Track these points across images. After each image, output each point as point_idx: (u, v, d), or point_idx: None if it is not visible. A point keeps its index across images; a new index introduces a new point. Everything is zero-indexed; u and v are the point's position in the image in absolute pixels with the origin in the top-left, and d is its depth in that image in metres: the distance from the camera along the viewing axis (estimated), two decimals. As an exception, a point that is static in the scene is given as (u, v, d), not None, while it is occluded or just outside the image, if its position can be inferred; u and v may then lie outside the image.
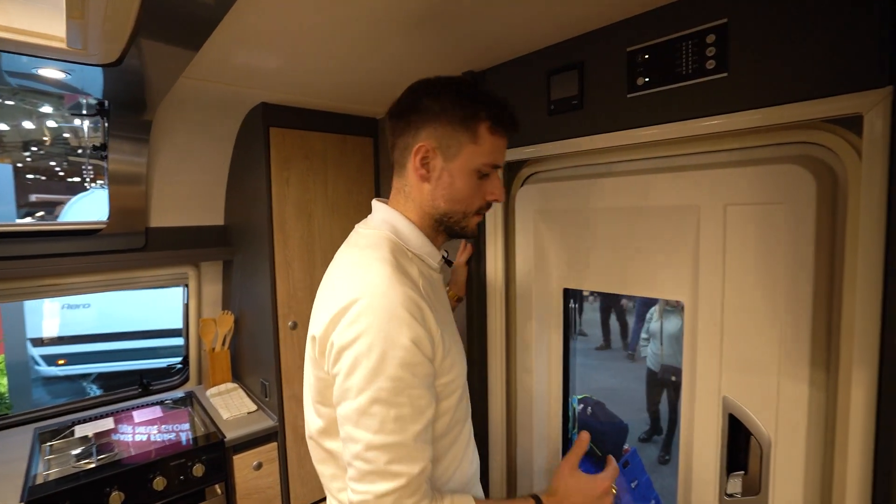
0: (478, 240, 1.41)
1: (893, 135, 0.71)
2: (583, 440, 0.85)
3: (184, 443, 1.53)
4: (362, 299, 0.67)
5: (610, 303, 3.48)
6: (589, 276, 1.21)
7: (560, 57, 1.14)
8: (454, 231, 0.83)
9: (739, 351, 0.92)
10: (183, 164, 1.80)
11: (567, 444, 1.37)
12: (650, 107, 0.98)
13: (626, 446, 0.97)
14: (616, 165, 1.13)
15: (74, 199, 4.55)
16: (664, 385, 2.82)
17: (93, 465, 1.42)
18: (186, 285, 2.02)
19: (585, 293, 2.99)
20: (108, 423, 1.67)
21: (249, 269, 1.81)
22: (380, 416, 0.64)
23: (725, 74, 0.87)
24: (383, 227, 0.80)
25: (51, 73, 1.15)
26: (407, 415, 0.65)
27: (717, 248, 0.93)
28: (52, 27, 1.00)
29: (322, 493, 1.80)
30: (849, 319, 0.78)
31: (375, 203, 0.85)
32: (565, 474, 0.80)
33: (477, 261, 1.41)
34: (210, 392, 1.87)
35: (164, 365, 2.16)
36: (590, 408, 0.99)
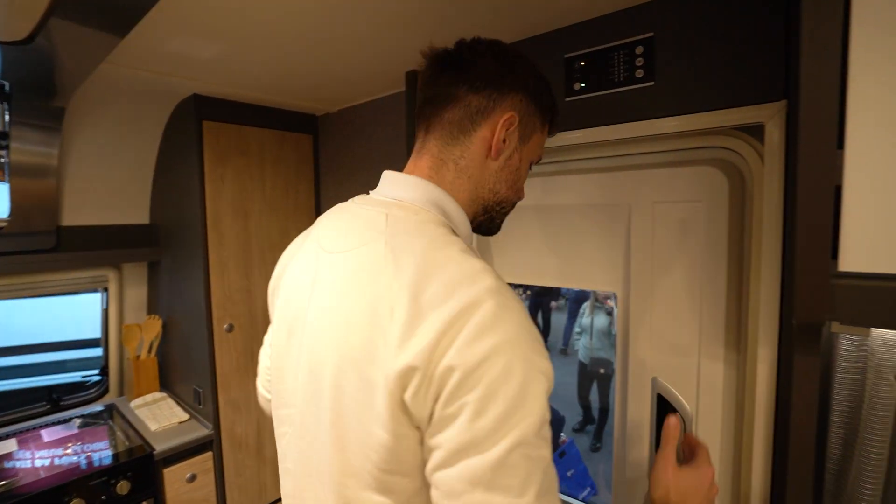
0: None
1: (788, 142, 0.82)
2: (672, 427, 0.71)
3: (103, 459, 1.41)
4: (488, 301, 0.46)
5: (540, 301, 3.61)
6: (528, 271, 1.27)
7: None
8: (493, 224, 0.70)
9: (666, 336, 1.01)
10: (102, 158, 1.66)
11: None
12: (586, 110, 1.05)
13: (562, 437, 1.02)
14: (554, 165, 1.19)
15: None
16: (594, 377, 2.99)
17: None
18: (106, 289, 1.86)
19: (519, 293, 3.09)
20: (9, 446, 1.50)
21: (180, 271, 1.71)
22: (525, 470, 0.44)
23: (652, 83, 0.95)
24: (433, 211, 0.60)
25: (-56, 49, 1.02)
26: (552, 471, 0.47)
27: (647, 242, 1.02)
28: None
29: (261, 503, 1.73)
30: (755, 304, 0.89)
31: (404, 177, 0.63)
32: (670, 475, 0.67)
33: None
34: (135, 403, 1.74)
35: (78, 378, 1.97)
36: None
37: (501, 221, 0.71)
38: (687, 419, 0.99)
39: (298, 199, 1.79)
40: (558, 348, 3.50)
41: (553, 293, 3.17)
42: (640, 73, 0.96)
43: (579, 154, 1.12)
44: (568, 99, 1.07)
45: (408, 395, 0.46)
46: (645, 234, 1.02)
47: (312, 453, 0.58)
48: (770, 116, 0.83)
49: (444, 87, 0.63)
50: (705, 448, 0.72)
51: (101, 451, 1.46)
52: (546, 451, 0.46)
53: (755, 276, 0.90)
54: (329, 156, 1.83)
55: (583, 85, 1.04)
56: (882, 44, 0.49)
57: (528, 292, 3.15)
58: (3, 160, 1.45)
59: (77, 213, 1.69)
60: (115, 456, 1.43)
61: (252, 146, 1.66)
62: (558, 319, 3.60)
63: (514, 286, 1.36)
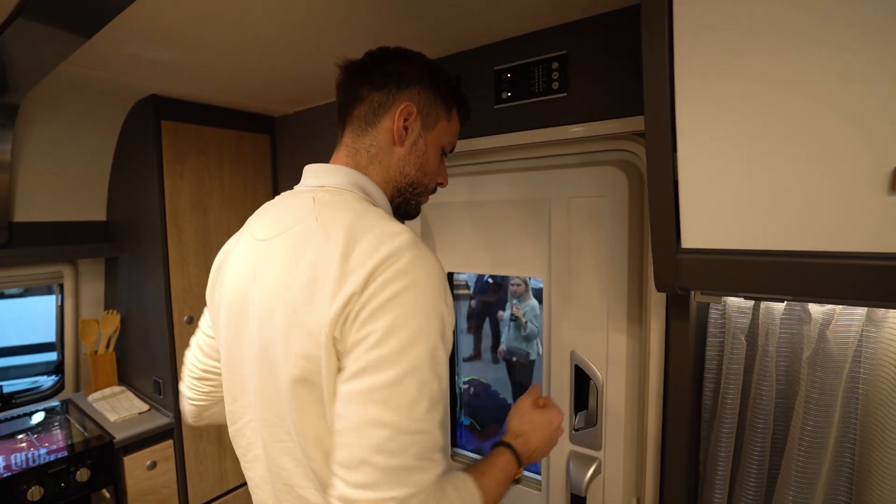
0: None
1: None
2: (535, 387, 0.88)
3: (60, 449, 1.45)
4: (406, 253, 0.56)
5: (486, 311, 3.67)
6: (466, 260, 1.41)
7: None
8: (409, 206, 0.79)
9: (581, 314, 1.17)
10: (57, 154, 1.69)
11: (456, 424, 1.55)
12: (511, 117, 1.19)
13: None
14: (485, 165, 1.33)
15: None
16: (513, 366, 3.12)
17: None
18: (61, 286, 1.88)
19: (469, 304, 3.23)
20: (-29, 437, 1.51)
21: (139, 265, 1.75)
22: (413, 393, 0.53)
23: (565, 94, 1.10)
24: (355, 191, 0.69)
25: None
26: (437, 398, 0.55)
27: (564, 232, 1.17)
28: None
29: (221, 489, 1.80)
30: (647, 282, 1.05)
31: (324, 166, 0.73)
32: (527, 412, 0.80)
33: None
34: (93, 397, 1.77)
35: (28, 385, 1.96)
36: (473, 388, 1.17)
37: (417, 203, 0.81)
38: (599, 386, 1.15)
39: (257, 195, 1.87)
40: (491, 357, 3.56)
41: (499, 303, 3.29)
42: (556, 86, 1.11)
43: (507, 155, 1.26)
44: (497, 106, 1.21)
45: (337, 333, 0.54)
46: (562, 226, 1.17)
47: (281, 431, 0.63)
48: (657, 124, 0.99)
49: (353, 90, 0.75)
50: (558, 406, 0.84)
51: (58, 442, 1.50)
52: (435, 385, 0.55)
53: (647, 256, 1.06)
54: (286, 155, 1.91)
55: (509, 94, 1.18)
56: (697, 71, 0.65)
57: (473, 302, 3.28)
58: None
59: (30, 209, 1.71)
60: (72, 445, 1.47)
61: (211, 145, 1.72)
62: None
63: (452, 277, 1.50)
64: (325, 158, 1.89)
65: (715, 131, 0.66)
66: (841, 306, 0.81)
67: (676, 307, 0.91)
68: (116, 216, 1.87)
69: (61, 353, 1.93)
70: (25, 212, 1.70)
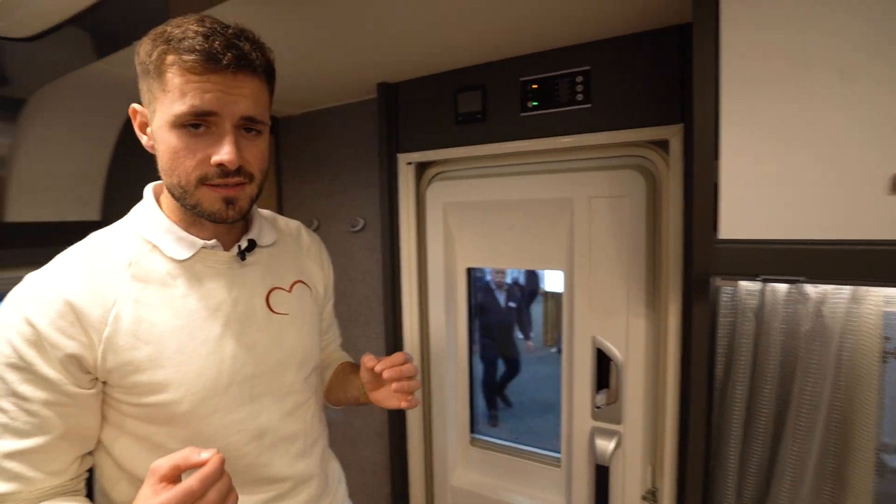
0: (392, 229, 1.60)
1: (686, 153, 1.13)
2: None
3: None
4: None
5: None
6: (488, 256, 1.51)
7: (466, 78, 1.41)
8: (195, 212, 0.68)
9: (602, 301, 1.30)
10: (54, 152, 1.62)
11: (473, 413, 1.64)
12: (537, 124, 1.31)
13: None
14: (511, 167, 1.44)
15: None
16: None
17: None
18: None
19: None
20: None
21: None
22: None
23: (589, 105, 1.23)
24: (129, 215, 0.76)
25: (-70, 39, 1.02)
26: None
27: (585, 228, 1.30)
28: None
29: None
30: (665, 271, 1.19)
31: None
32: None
33: (391, 249, 1.61)
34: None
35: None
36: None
37: (196, 205, 0.67)
38: (620, 367, 1.28)
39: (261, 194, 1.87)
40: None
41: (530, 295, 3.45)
42: (580, 97, 1.23)
43: (531, 159, 1.38)
44: (523, 114, 1.32)
45: None
46: (584, 222, 1.30)
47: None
48: (673, 134, 1.13)
49: None
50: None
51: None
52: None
53: (665, 252, 1.20)
54: (290, 155, 1.93)
55: (535, 103, 1.30)
56: (740, 90, 0.79)
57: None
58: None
59: (22, 208, 1.63)
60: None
61: (218, 144, 1.71)
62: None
63: (478, 271, 1.60)
64: (332, 160, 1.96)
65: (751, 141, 0.80)
66: (832, 287, 0.99)
67: (699, 291, 1.06)
68: (113, 215, 1.80)
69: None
70: (17, 211, 1.62)
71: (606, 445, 1.27)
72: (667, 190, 1.19)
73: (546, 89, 1.28)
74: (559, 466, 1.43)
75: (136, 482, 0.68)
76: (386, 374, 0.77)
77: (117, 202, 1.79)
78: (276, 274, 0.82)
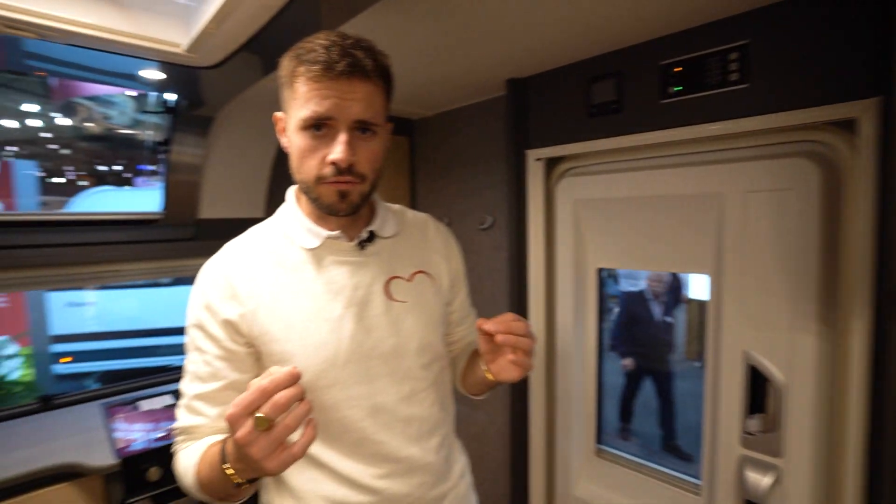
0: (519, 227, 1.58)
1: (886, 134, 0.91)
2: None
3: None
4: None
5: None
6: (622, 256, 1.40)
7: (599, 67, 1.33)
8: (317, 205, 0.77)
9: (757, 312, 1.12)
10: (233, 159, 1.93)
11: (601, 422, 1.54)
12: (681, 111, 1.17)
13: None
14: (648, 161, 1.32)
15: (83, 194, 4.57)
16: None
17: (165, 433, 1.54)
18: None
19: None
20: (168, 399, 1.79)
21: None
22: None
23: (747, 85, 1.06)
24: (276, 213, 0.89)
25: (151, 73, 1.29)
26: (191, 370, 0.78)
27: (739, 227, 1.13)
28: (167, 34, 1.14)
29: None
30: (848, 280, 0.98)
31: None
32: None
33: (518, 247, 1.59)
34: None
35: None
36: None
37: (317, 198, 0.75)
38: (780, 390, 1.09)
39: (397, 193, 2.01)
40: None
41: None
42: (734, 77, 1.08)
43: (672, 150, 1.25)
44: (663, 101, 1.20)
45: None
46: (737, 220, 1.13)
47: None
48: (863, 111, 0.93)
49: None
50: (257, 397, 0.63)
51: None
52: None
53: (845, 256, 0.99)
54: (424, 156, 2.03)
55: (678, 88, 1.17)
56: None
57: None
58: (162, 162, 1.75)
59: (210, 207, 1.98)
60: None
61: (359, 148, 1.88)
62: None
63: (609, 272, 1.50)
64: (463, 158, 1.98)
65: None
66: None
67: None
68: (272, 214, 2.09)
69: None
70: (206, 210, 1.97)
71: (760, 480, 1.10)
72: (852, 180, 0.98)
73: (692, 71, 1.14)
74: (699, 494, 1.27)
75: None
76: (499, 339, 0.74)
77: (277, 202, 2.07)
78: (396, 263, 0.86)
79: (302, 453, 0.59)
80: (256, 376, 0.75)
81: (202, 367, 0.76)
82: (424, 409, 0.86)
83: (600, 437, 1.53)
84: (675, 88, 1.17)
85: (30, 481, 1.34)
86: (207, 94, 1.52)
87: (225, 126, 1.81)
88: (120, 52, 1.15)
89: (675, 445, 2.89)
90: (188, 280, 2.22)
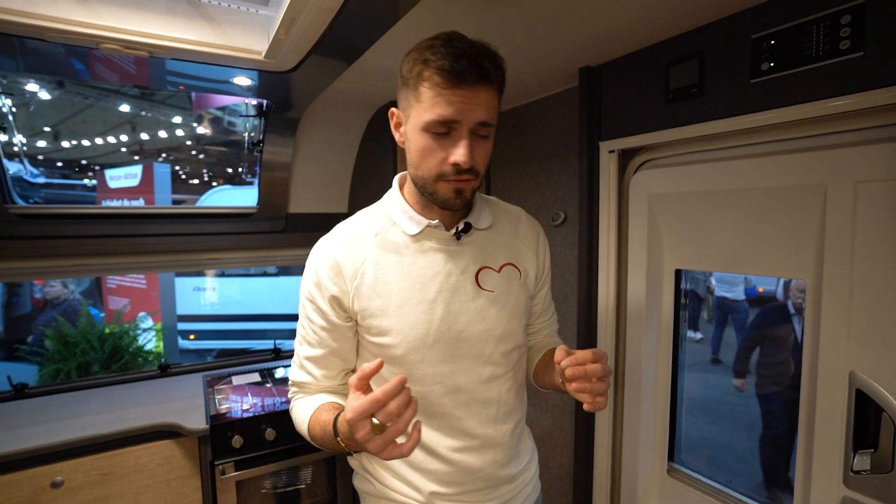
0: (591, 223, 1.49)
1: None
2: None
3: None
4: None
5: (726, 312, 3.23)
6: (703, 256, 1.26)
7: (679, 48, 1.20)
8: (433, 198, 0.82)
9: (868, 325, 0.93)
10: (317, 157, 2.08)
11: (674, 439, 1.40)
12: (775, 90, 1.02)
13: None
14: (734, 150, 1.16)
15: (202, 197, 5.25)
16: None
17: (249, 406, 1.70)
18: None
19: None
20: (255, 377, 1.98)
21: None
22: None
23: (861, 54, 0.89)
24: (382, 199, 0.94)
25: (242, 80, 1.43)
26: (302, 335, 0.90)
27: (847, 225, 0.95)
28: (250, 43, 1.26)
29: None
30: None
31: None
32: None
33: (588, 244, 1.50)
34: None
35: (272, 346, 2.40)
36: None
37: (434, 193, 0.80)
38: (894, 417, 0.90)
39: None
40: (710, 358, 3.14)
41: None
42: (844, 45, 0.91)
43: (763, 137, 1.09)
44: (754, 80, 1.05)
45: None
46: (845, 217, 0.95)
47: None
48: None
49: None
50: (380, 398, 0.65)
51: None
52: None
53: None
54: (499, 150, 2.00)
55: (772, 64, 1.01)
56: None
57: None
58: (257, 161, 1.93)
59: (297, 202, 2.14)
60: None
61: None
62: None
63: (684, 274, 1.36)
64: (535, 152, 1.92)
65: None
66: None
67: None
68: (354, 209, 2.21)
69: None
70: (294, 205, 2.14)
71: (866, 527, 0.91)
72: None
73: (789, 43, 0.99)
74: (790, 535, 1.10)
75: None
76: (568, 373, 0.73)
77: (358, 199, 2.18)
78: (487, 254, 0.91)
79: (409, 453, 0.66)
80: (355, 346, 0.91)
81: (311, 334, 0.88)
82: (502, 394, 0.92)
83: (673, 455, 1.38)
84: (769, 65, 1.02)
85: (141, 435, 1.57)
86: (291, 96, 1.64)
87: (309, 127, 1.95)
88: (215, 62, 1.29)
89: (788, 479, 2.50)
90: (292, 271, 2.43)
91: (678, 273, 1.35)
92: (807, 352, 1.04)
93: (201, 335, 4.98)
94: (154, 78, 1.51)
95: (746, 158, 1.13)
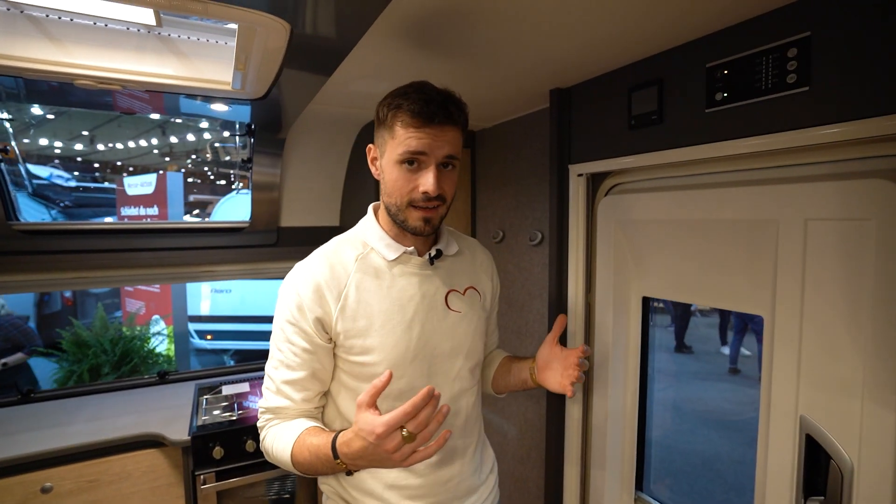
0: (560, 246, 1.48)
1: None
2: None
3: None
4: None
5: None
6: (669, 285, 1.23)
7: (640, 73, 1.18)
8: (404, 225, 0.90)
9: (819, 369, 0.90)
10: (307, 174, 2.13)
11: (642, 467, 1.38)
12: (729, 121, 0.99)
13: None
14: (696, 178, 1.14)
15: (222, 199, 5.42)
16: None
17: (234, 418, 1.76)
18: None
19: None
20: (245, 387, 2.04)
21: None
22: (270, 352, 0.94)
23: (807, 88, 0.86)
24: (357, 225, 1.02)
25: (219, 107, 1.48)
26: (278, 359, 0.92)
27: (797, 263, 0.92)
28: (219, 74, 1.30)
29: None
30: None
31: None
32: (365, 414, 0.74)
33: (558, 270, 1.49)
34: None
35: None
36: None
37: (405, 220, 0.89)
38: (845, 470, 0.87)
39: (456, 205, 2.01)
40: (727, 368, 3.05)
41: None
42: (791, 79, 0.88)
43: (720, 167, 1.06)
44: (709, 110, 1.02)
45: None
46: (794, 255, 0.92)
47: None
48: (966, 120, 0.69)
49: None
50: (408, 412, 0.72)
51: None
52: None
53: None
54: (483, 167, 2.00)
55: (725, 95, 0.99)
56: None
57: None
58: (248, 178, 1.99)
59: (289, 217, 2.20)
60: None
61: (416, 162, 1.93)
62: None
63: (658, 302, 1.33)
64: (517, 171, 1.91)
65: None
66: None
67: None
68: (346, 222, 2.25)
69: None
70: (286, 219, 2.19)
71: (811, 578, 0.88)
72: (953, 211, 0.73)
73: (741, 74, 0.96)
74: (747, 577, 1.06)
75: (346, 422, 0.94)
76: (578, 358, 1.04)
77: (349, 212, 2.22)
78: (454, 278, 1.01)
79: (433, 454, 0.74)
80: (332, 368, 0.95)
81: (291, 357, 0.90)
82: (469, 407, 1.01)
83: (640, 484, 1.36)
84: (721, 95, 0.99)
85: (127, 444, 1.64)
86: (271, 120, 1.69)
87: (295, 146, 1.99)
88: (187, 93, 1.34)
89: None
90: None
91: (646, 301, 1.32)
92: (763, 388, 1.01)
93: (218, 335, 5.15)
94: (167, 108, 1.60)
95: (706, 188, 1.10)
